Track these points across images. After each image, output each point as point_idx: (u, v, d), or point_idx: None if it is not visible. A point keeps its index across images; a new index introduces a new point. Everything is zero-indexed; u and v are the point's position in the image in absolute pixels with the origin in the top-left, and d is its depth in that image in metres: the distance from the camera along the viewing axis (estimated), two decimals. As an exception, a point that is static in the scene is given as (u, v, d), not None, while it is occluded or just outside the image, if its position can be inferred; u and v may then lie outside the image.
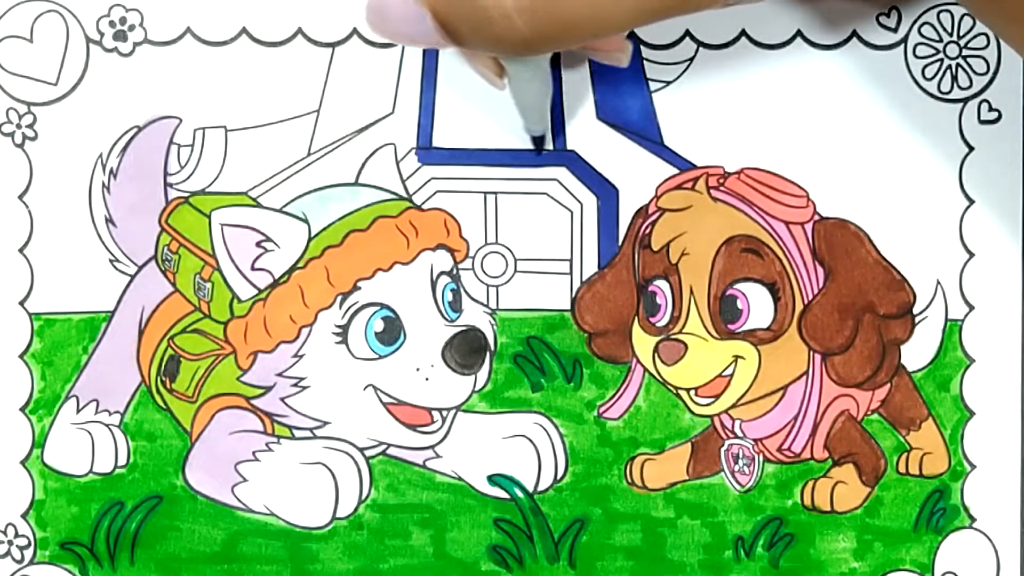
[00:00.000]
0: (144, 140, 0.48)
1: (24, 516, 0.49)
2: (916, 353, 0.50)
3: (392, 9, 0.39)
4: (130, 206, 0.48)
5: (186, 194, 0.48)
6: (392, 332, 0.48)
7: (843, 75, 0.49)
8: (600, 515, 0.50)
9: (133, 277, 0.49)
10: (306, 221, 0.48)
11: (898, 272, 0.49)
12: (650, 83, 0.49)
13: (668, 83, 0.49)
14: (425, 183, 0.49)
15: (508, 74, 0.44)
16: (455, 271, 0.49)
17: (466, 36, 0.38)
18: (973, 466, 0.50)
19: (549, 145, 0.48)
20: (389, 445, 0.49)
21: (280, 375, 0.48)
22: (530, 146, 0.49)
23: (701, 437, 0.50)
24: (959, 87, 0.49)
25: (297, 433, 0.49)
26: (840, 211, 0.49)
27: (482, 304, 0.49)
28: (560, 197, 0.49)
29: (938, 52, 0.49)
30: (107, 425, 0.49)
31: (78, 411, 0.49)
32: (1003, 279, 0.49)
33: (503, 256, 0.49)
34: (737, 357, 0.49)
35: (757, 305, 0.49)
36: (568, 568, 0.50)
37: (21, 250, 0.48)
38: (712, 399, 0.49)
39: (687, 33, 0.48)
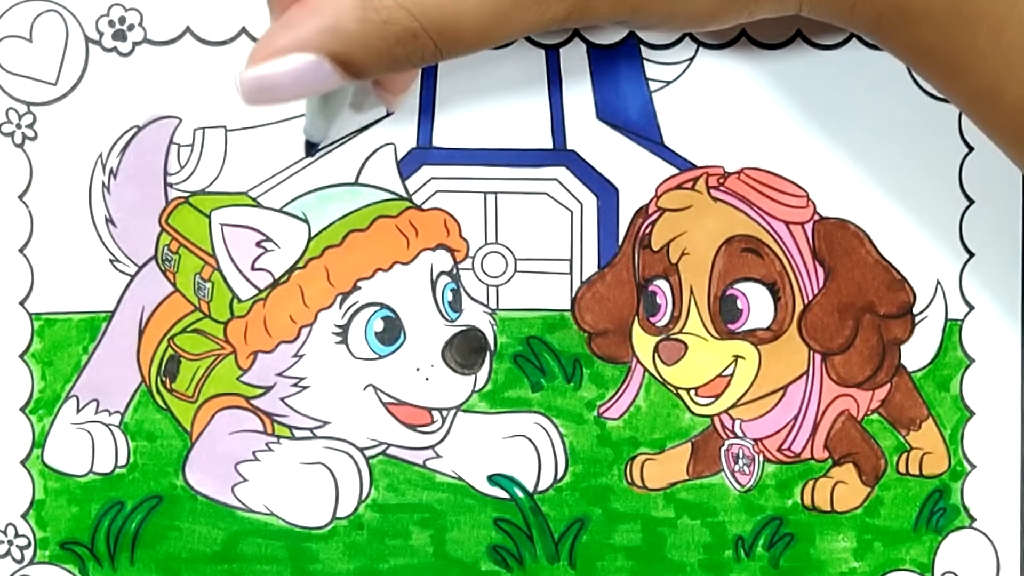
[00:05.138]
0: (144, 140, 0.48)
1: (24, 516, 0.49)
2: (916, 353, 0.50)
3: (278, 76, 0.38)
4: (130, 206, 0.48)
5: (186, 194, 0.48)
6: (392, 332, 0.48)
7: (843, 75, 0.49)
8: (600, 515, 0.50)
9: (133, 277, 0.49)
10: (306, 221, 0.48)
11: (898, 272, 0.49)
12: (650, 83, 0.49)
13: (668, 83, 0.49)
14: (425, 183, 0.49)
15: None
16: (455, 271, 0.49)
17: (371, 65, 0.38)
18: (973, 466, 0.50)
19: (317, 152, 0.48)
20: (389, 445, 0.49)
21: (280, 375, 0.48)
22: (530, 145, 0.49)
23: (701, 437, 0.50)
24: (959, 87, 0.49)
25: (297, 433, 0.49)
26: (840, 211, 0.49)
27: (482, 304, 0.49)
28: (560, 197, 0.49)
29: (938, 52, 0.49)
30: (107, 425, 0.49)
31: (78, 411, 0.49)
32: (1003, 279, 0.49)
33: (503, 256, 0.49)
34: (737, 357, 0.49)
35: (757, 305, 0.49)
36: (568, 568, 0.50)
37: (21, 250, 0.48)
38: (712, 399, 0.49)
39: (687, 33, 0.48)
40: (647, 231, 0.49)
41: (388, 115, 0.48)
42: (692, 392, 0.49)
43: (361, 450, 0.49)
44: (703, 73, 0.49)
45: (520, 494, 0.49)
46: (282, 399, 0.48)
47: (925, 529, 0.50)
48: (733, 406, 0.49)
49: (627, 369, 0.49)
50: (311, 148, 0.46)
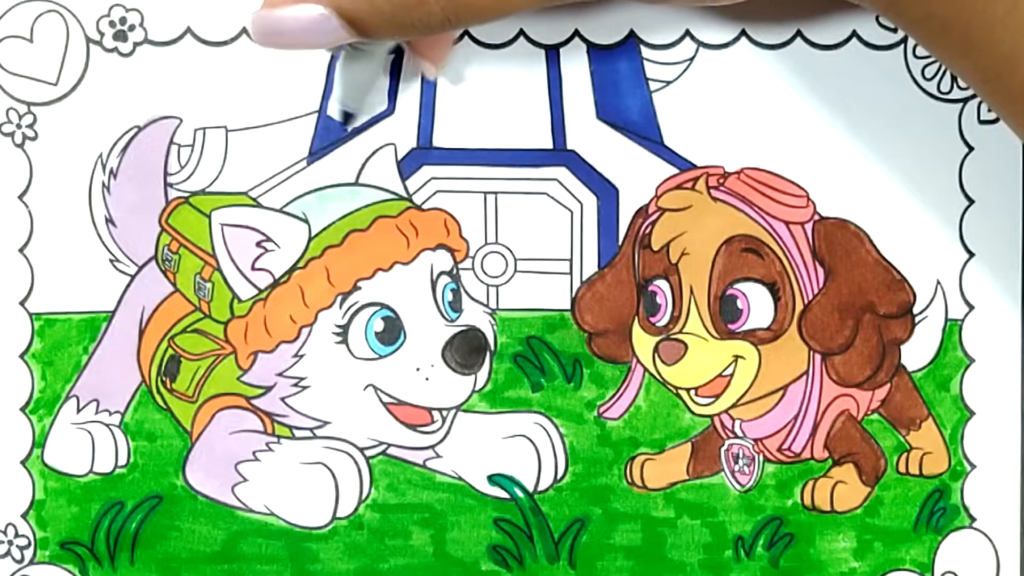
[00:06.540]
0: (144, 140, 0.48)
1: (24, 516, 0.49)
2: (916, 353, 0.50)
3: (288, 21, 0.39)
4: (130, 206, 0.48)
5: (186, 194, 0.48)
6: (392, 332, 0.48)
7: (843, 75, 0.49)
8: (600, 515, 0.50)
9: (133, 277, 0.49)
10: (306, 221, 0.48)
11: (898, 272, 0.49)
12: (650, 83, 0.49)
13: (668, 83, 0.49)
14: (425, 183, 0.49)
15: (346, 51, 0.44)
16: (455, 271, 0.49)
17: (377, 27, 0.39)
18: (973, 466, 0.50)
19: (356, 122, 0.48)
20: (389, 445, 0.49)
21: (280, 375, 0.48)
22: (530, 145, 0.49)
23: (701, 437, 0.50)
24: (959, 87, 0.49)
25: (297, 433, 0.49)
26: (840, 211, 0.49)
27: (482, 304, 0.49)
28: (560, 197, 0.49)
29: (938, 52, 0.49)
30: (107, 425, 0.49)
31: (78, 411, 0.49)
32: (1003, 279, 0.49)
33: (503, 256, 0.49)
34: (737, 357, 0.49)
35: (757, 305, 0.49)
36: (568, 568, 0.50)
37: (21, 250, 0.48)
38: (712, 399, 0.49)
39: (687, 33, 0.48)
40: (647, 231, 0.49)
41: (390, 113, 0.49)
42: (692, 392, 0.49)
43: (361, 450, 0.49)
44: (703, 73, 0.49)
45: (520, 494, 0.49)
46: (282, 399, 0.48)
47: (925, 529, 0.50)
48: (733, 406, 0.49)
49: (627, 369, 0.49)
50: (348, 117, 0.46)
